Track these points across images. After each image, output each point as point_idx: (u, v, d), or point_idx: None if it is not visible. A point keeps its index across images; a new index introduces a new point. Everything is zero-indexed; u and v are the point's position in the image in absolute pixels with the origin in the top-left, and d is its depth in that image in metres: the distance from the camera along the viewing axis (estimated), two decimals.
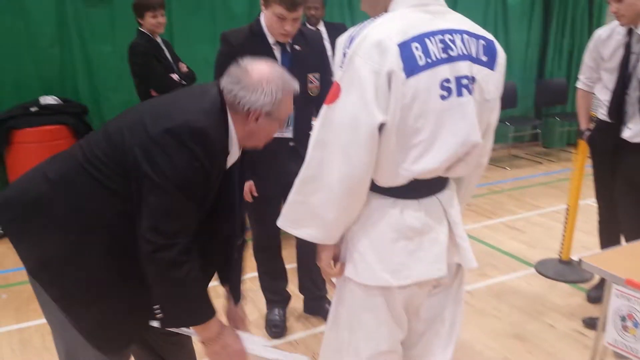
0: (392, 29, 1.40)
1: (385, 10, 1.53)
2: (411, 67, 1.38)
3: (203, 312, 1.60)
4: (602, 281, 2.92)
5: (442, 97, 1.42)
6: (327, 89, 2.62)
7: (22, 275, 1.82)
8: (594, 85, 3.05)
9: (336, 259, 1.62)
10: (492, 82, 1.53)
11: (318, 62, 2.68)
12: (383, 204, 1.53)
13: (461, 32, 1.48)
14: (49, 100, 4.37)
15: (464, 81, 1.46)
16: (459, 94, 1.45)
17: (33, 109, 4.27)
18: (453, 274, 1.66)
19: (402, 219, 1.52)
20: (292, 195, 1.55)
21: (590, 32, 6.41)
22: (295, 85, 1.67)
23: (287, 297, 3.02)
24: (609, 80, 2.88)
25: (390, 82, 1.37)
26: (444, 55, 1.42)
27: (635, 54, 2.57)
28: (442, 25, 1.45)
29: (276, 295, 2.98)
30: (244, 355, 1.69)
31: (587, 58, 3.05)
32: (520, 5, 6.35)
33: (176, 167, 1.47)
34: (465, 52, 1.46)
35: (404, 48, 1.38)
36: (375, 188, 1.52)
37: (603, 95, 2.95)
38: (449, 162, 1.49)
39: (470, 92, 1.47)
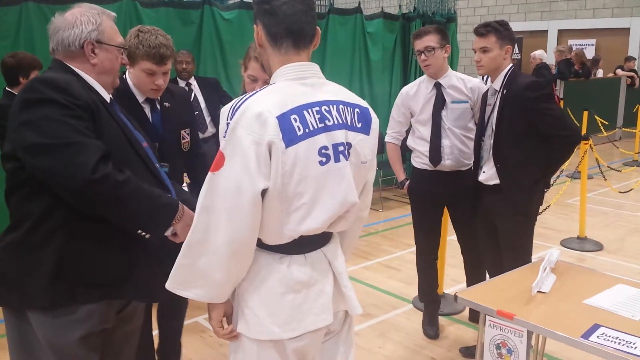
0: (271, 102, 1.49)
1: (270, 77, 1.63)
2: (290, 137, 1.48)
3: (169, 200, 1.75)
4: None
5: (321, 163, 1.53)
6: (196, 144, 2.72)
7: None
8: (401, 139, 3.40)
9: (227, 315, 1.66)
10: (367, 146, 1.66)
11: (188, 118, 2.72)
12: (270, 260, 1.61)
13: (337, 102, 1.59)
14: None
15: (340, 148, 1.57)
16: (337, 159, 1.56)
17: None
18: (341, 320, 1.76)
19: (290, 273, 1.59)
20: (179, 259, 1.58)
21: None
22: (110, 12, 1.82)
23: None
24: (425, 131, 3.21)
25: (270, 151, 1.46)
26: (321, 125, 1.53)
27: (490, 105, 2.87)
28: (319, 97, 1.56)
29: None
30: None
31: (396, 114, 3.37)
32: (382, 60, 6.85)
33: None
34: (340, 121, 1.58)
35: (283, 120, 1.47)
36: (262, 245, 1.60)
37: (420, 147, 3.27)
38: (330, 221, 1.60)
39: (346, 157, 1.59)
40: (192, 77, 4.81)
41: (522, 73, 3.07)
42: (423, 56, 3.10)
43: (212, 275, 1.55)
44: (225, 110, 1.55)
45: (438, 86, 3.21)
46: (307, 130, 1.51)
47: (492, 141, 2.83)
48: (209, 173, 1.53)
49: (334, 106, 1.59)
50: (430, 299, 3.54)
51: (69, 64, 1.76)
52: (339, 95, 1.63)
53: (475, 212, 3.07)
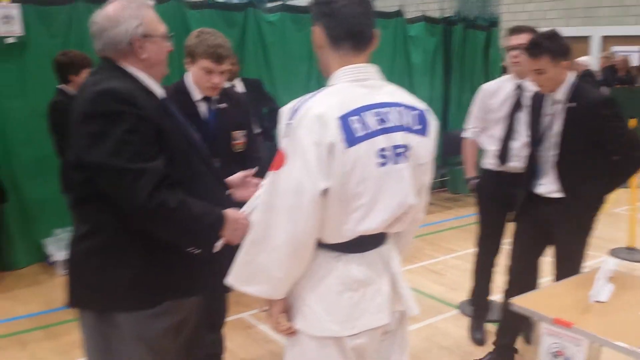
0: (332, 104, 1.51)
1: (328, 77, 1.65)
2: (350, 139, 1.49)
3: (215, 217, 1.73)
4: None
5: (380, 165, 1.55)
6: (252, 145, 2.76)
7: None
8: (480, 135, 3.37)
9: (286, 311, 1.67)
10: (424, 148, 1.67)
11: (242, 121, 2.79)
12: (329, 259, 1.62)
13: (396, 104, 1.60)
14: None
15: (399, 149, 1.59)
16: (396, 161, 1.58)
17: None
18: (398, 321, 1.76)
19: (347, 271, 1.61)
20: (241, 255, 1.62)
21: None
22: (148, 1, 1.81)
23: None
24: (497, 130, 3.22)
25: (331, 152, 1.48)
26: (380, 127, 1.55)
27: (550, 115, 2.76)
28: (378, 99, 1.58)
29: None
30: (244, 217, 1.78)
31: (476, 109, 3.40)
32: (423, 64, 6.81)
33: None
34: (399, 123, 1.59)
35: (343, 121, 1.49)
36: (321, 244, 1.61)
37: (489, 145, 3.28)
38: (388, 222, 1.62)
39: (405, 159, 1.60)
40: (237, 78, 4.85)
41: (587, 85, 2.91)
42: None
43: (271, 272, 1.58)
44: (285, 111, 1.57)
45: (520, 88, 3.18)
46: (366, 132, 1.53)
47: (556, 154, 2.74)
48: (270, 172, 1.55)
49: (393, 108, 1.60)
50: (481, 304, 3.53)
51: (119, 62, 1.76)
52: (397, 97, 1.64)
53: (526, 218, 2.99)
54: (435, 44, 6.89)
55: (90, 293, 1.77)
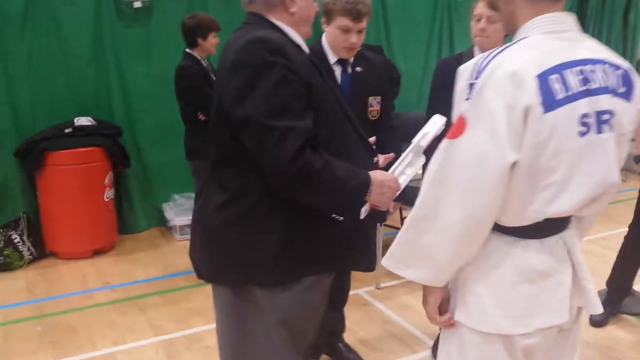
0: (528, 59, 1.29)
1: (515, 32, 1.42)
2: (549, 102, 1.26)
3: (360, 180, 1.59)
4: None
5: (580, 134, 1.31)
6: (387, 113, 2.55)
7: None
8: None
9: (444, 300, 1.50)
10: (628, 115, 1.40)
11: (379, 86, 2.58)
12: (503, 244, 1.41)
13: (601, 61, 1.36)
14: (83, 121, 4.25)
15: (605, 116, 1.34)
16: (599, 130, 1.34)
17: (67, 131, 4.15)
18: (574, 317, 1.53)
19: (525, 260, 1.41)
20: (401, 235, 1.45)
21: (625, 56, 6.32)
22: None
23: None
24: None
25: (526, 118, 1.25)
26: (583, 88, 1.31)
27: None
28: (581, 55, 1.34)
29: None
30: (395, 181, 1.68)
31: None
32: None
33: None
34: (605, 84, 1.35)
35: (542, 80, 1.27)
36: (495, 226, 1.39)
37: None
38: (584, 203, 1.37)
39: (611, 128, 1.36)
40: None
41: None
42: None
43: (436, 255, 1.39)
44: (466, 69, 1.36)
45: None
46: (568, 94, 1.29)
47: None
48: (445, 140, 1.34)
49: (599, 66, 1.36)
50: (621, 290, 3.24)
51: (267, 16, 1.65)
52: (601, 53, 1.39)
53: None
54: (569, 6, 6.30)
55: (228, 266, 1.66)
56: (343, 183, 1.56)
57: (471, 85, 1.32)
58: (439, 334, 2.98)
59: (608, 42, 6.43)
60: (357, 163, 1.64)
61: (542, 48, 1.31)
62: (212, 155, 1.70)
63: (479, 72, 1.30)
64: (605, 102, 1.34)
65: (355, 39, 2.36)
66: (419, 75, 5.66)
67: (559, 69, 1.29)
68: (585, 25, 6.34)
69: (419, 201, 1.39)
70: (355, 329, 3.14)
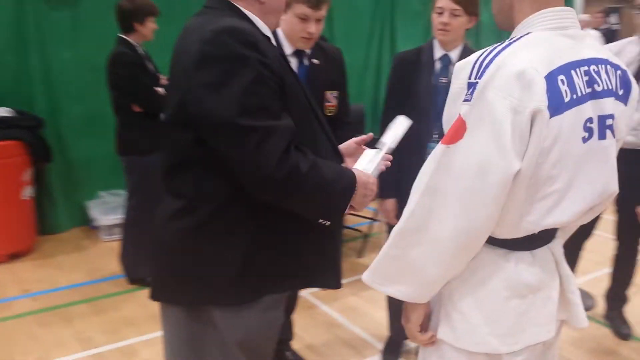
0: (535, 57, 1.18)
1: (511, 27, 1.31)
2: (556, 105, 1.17)
3: (347, 180, 1.47)
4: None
5: (584, 140, 1.23)
6: (344, 108, 2.43)
7: None
8: None
9: (425, 318, 1.40)
10: (624, 119, 1.34)
11: (337, 80, 2.45)
12: (494, 257, 1.32)
13: (604, 61, 1.28)
14: (1, 112, 3.88)
15: (609, 121, 1.27)
16: (602, 136, 1.27)
17: None
18: (558, 331, 1.47)
19: (517, 274, 1.33)
20: (387, 249, 1.33)
21: None
22: None
23: None
24: None
25: (533, 122, 1.15)
26: (588, 90, 1.23)
27: None
28: (586, 54, 1.25)
29: None
30: (375, 182, 1.58)
31: None
32: (489, 21, 6.38)
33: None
34: (609, 86, 1.28)
35: (550, 81, 1.17)
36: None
37: None
38: (582, 213, 1.30)
39: (613, 133, 1.29)
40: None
41: None
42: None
43: (425, 271, 1.29)
44: (465, 66, 1.23)
45: None
46: (574, 97, 1.20)
47: None
48: (441, 145, 1.22)
49: (603, 66, 1.28)
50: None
51: (234, 1, 1.48)
52: (602, 52, 1.31)
53: None
54: None
55: (181, 284, 1.48)
56: (331, 184, 1.43)
57: (470, 85, 1.20)
58: (388, 337, 2.95)
59: None
60: None
61: (549, 46, 1.21)
62: (166, 157, 1.50)
63: (480, 71, 1.19)
64: (609, 105, 1.26)
65: (314, 28, 2.21)
66: (361, 67, 5.62)
67: (566, 68, 1.19)
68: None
69: (408, 212, 1.27)
70: (302, 334, 3.01)
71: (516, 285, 1.32)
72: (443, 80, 2.34)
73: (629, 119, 1.36)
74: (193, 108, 1.36)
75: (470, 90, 1.19)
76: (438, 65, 2.37)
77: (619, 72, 1.31)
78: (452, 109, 1.25)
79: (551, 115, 1.16)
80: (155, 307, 1.60)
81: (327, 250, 1.59)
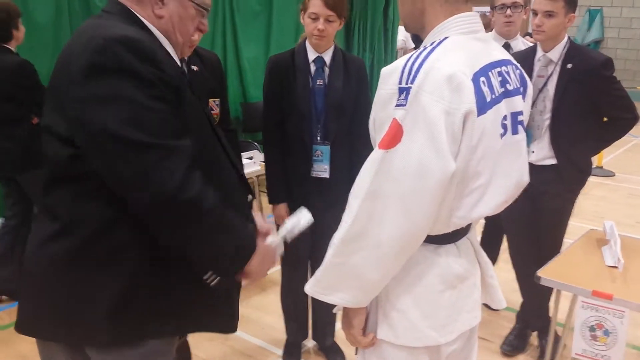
0: (460, 61, 1.22)
1: (422, 30, 1.35)
2: (481, 105, 1.22)
3: (250, 235, 1.37)
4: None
5: (501, 136, 1.30)
6: (226, 117, 2.35)
7: None
8: None
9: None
10: (526, 114, 1.44)
11: (217, 87, 2.37)
12: (426, 253, 1.36)
13: (510, 62, 1.38)
14: None
15: (520, 117, 1.37)
16: (515, 131, 1.35)
17: None
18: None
19: (448, 267, 1.39)
20: (330, 258, 1.31)
21: (386, 47, 6.93)
22: None
23: None
24: None
25: (464, 123, 1.20)
26: (502, 90, 1.31)
27: (543, 77, 2.61)
28: (496, 56, 1.33)
29: None
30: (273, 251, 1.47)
31: None
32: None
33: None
34: (517, 85, 1.37)
35: (476, 83, 1.22)
36: None
37: None
38: (503, 205, 1.38)
39: (522, 128, 1.38)
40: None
41: (584, 46, 2.77)
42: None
43: (366, 275, 1.28)
44: (393, 71, 1.24)
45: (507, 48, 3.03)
46: (493, 96, 1.27)
47: (548, 117, 2.60)
48: (379, 150, 1.21)
49: (511, 67, 1.38)
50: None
51: (134, 9, 1.34)
52: (506, 54, 1.41)
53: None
54: None
55: (55, 318, 1.31)
56: (235, 232, 1.32)
57: (402, 90, 1.20)
58: (286, 340, 2.93)
59: (372, 35, 6.95)
60: (232, 201, 1.37)
61: (467, 49, 1.27)
62: (48, 175, 1.34)
63: (412, 76, 1.20)
64: (518, 102, 1.36)
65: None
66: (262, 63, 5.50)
67: (485, 70, 1.26)
68: (351, 21, 6.74)
69: (349, 220, 1.25)
70: (196, 352, 2.85)
71: (448, 277, 1.37)
72: (319, 83, 2.37)
73: (527, 114, 1.46)
74: (75, 119, 1.21)
75: (403, 95, 1.19)
76: (313, 68, 2.38)
77: (517, 71, 1.41)
78: (382, 114, 1.25)
79: (478, 115, 1.21)
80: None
81: (221, 290, 1.41)
